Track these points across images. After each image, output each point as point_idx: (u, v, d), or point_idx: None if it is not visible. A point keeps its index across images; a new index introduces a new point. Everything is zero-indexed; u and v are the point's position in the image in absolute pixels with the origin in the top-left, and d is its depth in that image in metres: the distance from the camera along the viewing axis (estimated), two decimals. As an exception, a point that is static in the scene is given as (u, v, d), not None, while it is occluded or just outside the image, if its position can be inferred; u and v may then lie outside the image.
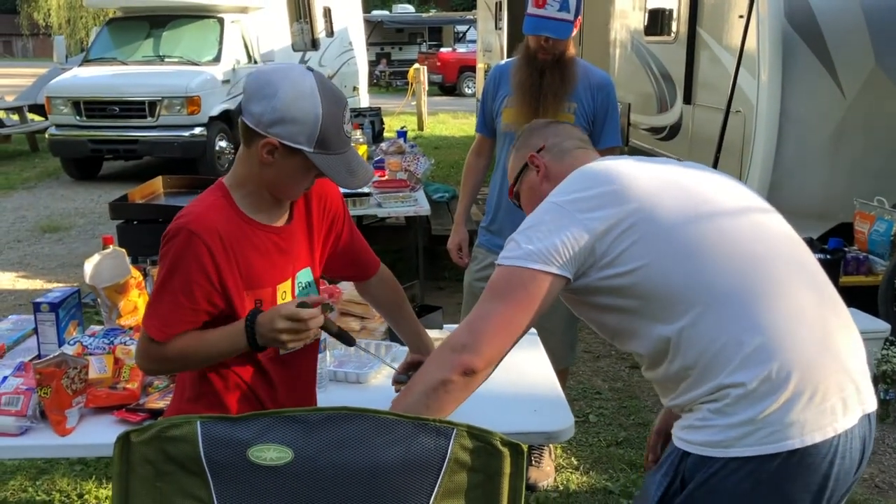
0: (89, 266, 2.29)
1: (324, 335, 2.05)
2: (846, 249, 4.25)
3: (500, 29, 9.67)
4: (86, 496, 2.96)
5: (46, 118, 10.44)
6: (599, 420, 3.57)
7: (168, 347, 1.61)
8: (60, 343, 2.21)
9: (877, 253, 4.21)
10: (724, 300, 1.39)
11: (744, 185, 1.62)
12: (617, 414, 3.63)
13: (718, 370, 1.38)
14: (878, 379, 3.51)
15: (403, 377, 1.92)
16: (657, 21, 6.15)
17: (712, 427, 1.38)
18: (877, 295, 3.87)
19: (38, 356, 2.18)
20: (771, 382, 1.34)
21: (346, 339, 1.74)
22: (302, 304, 1.59)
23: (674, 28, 5.80)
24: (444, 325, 2.56)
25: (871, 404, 1.42)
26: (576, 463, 3.20)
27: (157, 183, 4.75)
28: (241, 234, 1.62)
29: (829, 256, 4.04)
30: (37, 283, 5.65)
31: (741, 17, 4.58)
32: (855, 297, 1.45)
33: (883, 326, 3.62)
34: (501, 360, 1.48)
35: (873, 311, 3.78)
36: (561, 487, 3.04)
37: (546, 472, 3.06)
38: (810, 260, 1.49)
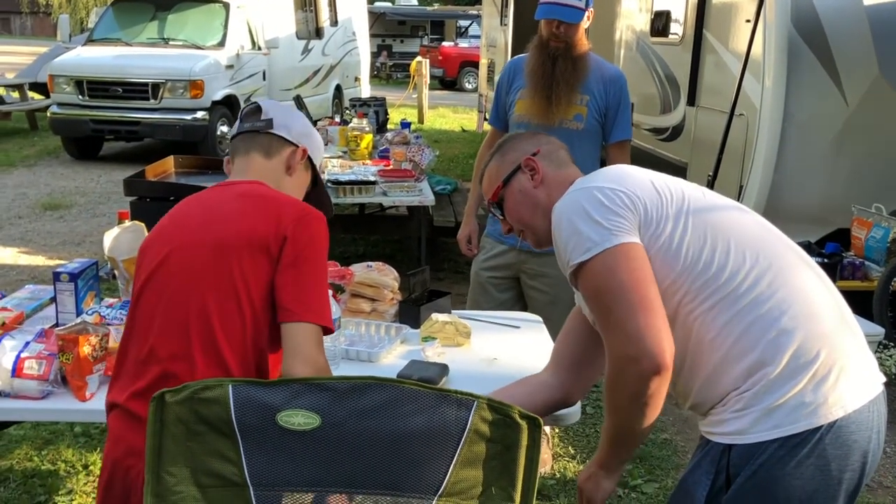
0: (109, 238, 2.33)
1: (337, 314, 2.11)
2: (843, 254, 4.33)
3: (505, 25, 9.70)
4: (91, 467, 3.00)
5: (47, 96, 10.43)
6: (596, 412, 3.62)
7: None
8: (78, 313, 2.25)
9: (873, 259, 4.29)
10: (756, 279, 1.43)
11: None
12: (613, 406, 3.69)
13: (748, 352, 1.41)
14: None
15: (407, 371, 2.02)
16: (663, 23, 6.20)
17: (753, 412, 1.41)
18: (872, 300, 3.95)
19: (56, 324, 2.22)
20: (802, 359, 1.40)
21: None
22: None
23: (680, 30, 5.86)
24: (452, 311, 2.60)
25: (881, 375, 1.50)
26: (572, 452, 3.26)
27: (169, 162, 4.80)
28: None
29: (826, 260, 4.11)
30: (39, 260, 5.68)
31: (748, 21, 4.64)
32: (850, 302, 1.52)
33: (878, 330, 3.69)
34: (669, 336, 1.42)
35: (868, 315, 3.85)
36: (558, 475, 3.10)
37: (544, 460, 3.12)
38: (797, 245, 1.56)
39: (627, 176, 1.54)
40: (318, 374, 1.51)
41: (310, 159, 1.78)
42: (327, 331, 1.58)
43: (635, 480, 3.05)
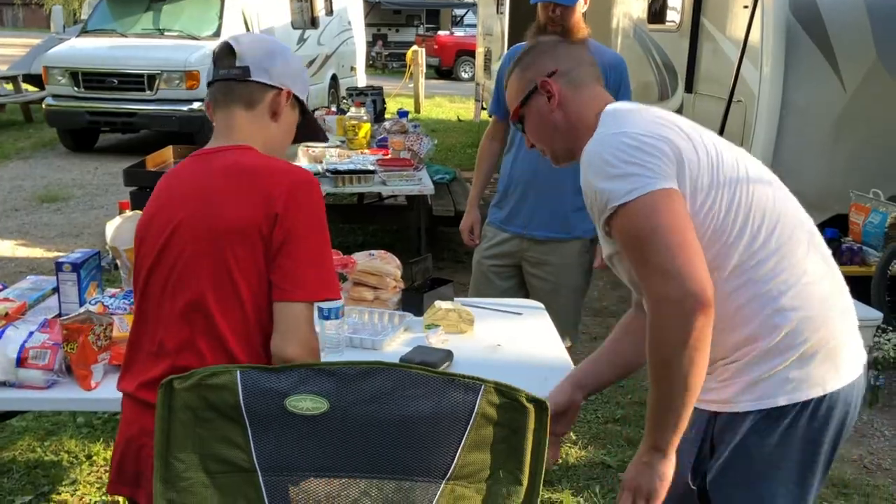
0: (110, 228, 2.33)
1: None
2: (841, 240, 4.34)
3: (501, 13, 9.67)
4: (94, 457, 3.01)
5: (41, 88, 10.37)
6: (597, 398, 3.64)
7: None
8: (81, 302, 2.25)
9: (871, 244, 4.30)
10: (765, 257, 1.44)
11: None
12: (614, 392, 3.71)
13: (743, 325, 1.43)
14: (869, 365, 3.60)
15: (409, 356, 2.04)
16: (661, 10, 6.19)
17: (737, 382, 1.44)
18: (870, 284, 3.96)
19: (59, 315, 2.22)
20: (794, 339, 1.42)
21: None
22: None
23: (677, 17, 5.85)
24: (455, 298, 2.61)
25: (864, 354, 1.53)
26: (574, 438, 3.28)
27: (168, 152, 4.78)
28: None
29: (824, 246, 4.12)
30: (37, 252, 5.67)
31: (746, 7, 4.63)
32: (849, 287, 1.54)
33: (876, 315, 3.71)
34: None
35: (866, 300, 3.87)
36: (560, 461, 3.11)
37: (545, 446, 3.13)
38: (811, 224, 1.55)
39: (667, 126, 1.47)
40: (308, 354, 1.51)
41: (296, 97, 1.67)
42: (331, 298, 1.57)
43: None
